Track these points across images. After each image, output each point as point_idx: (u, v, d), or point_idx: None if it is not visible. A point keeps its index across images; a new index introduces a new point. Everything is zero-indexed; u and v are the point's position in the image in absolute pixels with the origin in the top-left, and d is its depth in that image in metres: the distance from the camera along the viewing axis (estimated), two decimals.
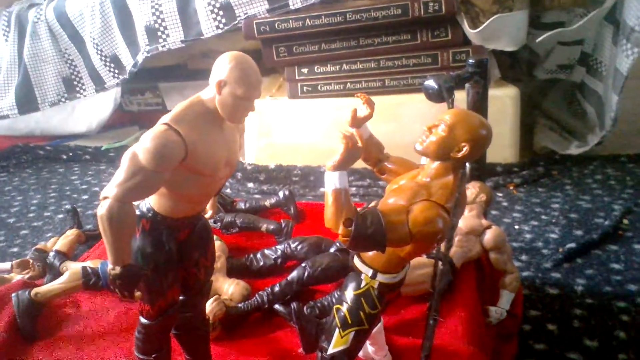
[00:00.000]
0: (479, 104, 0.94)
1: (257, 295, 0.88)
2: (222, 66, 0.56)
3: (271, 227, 1.03)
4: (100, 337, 0.86)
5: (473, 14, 1.53)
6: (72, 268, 0.93)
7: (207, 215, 0.71)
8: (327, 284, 0.90)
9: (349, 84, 1.60)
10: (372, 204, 0.93)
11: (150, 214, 0.59)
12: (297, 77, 1.64)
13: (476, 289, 0.85)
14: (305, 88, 1.63)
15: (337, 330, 0.55)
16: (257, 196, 1.62)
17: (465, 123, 0.50)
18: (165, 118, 0.55)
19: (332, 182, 0.48)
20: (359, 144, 0.48)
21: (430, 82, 0.85)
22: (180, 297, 0.64)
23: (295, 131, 1.65)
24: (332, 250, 0.95)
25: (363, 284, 0.55)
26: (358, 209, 0.63)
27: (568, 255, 1.17)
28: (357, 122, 0.57)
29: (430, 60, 1.57)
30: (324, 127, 1.62)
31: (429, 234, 0.47)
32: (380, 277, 0.54)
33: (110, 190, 0.52)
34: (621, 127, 1.63)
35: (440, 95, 0.84)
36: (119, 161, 0.55)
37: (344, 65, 1.61)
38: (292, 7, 1.58)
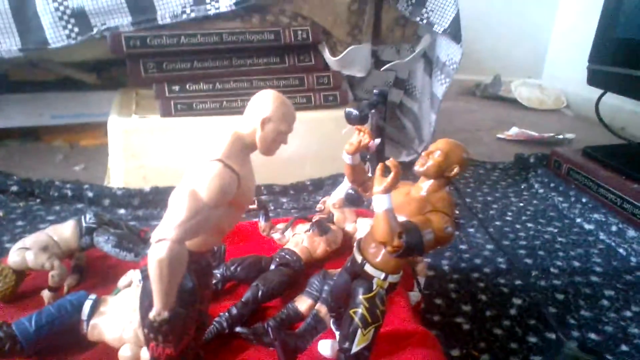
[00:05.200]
0: (382, 125, 1.13)
1: (215, 322, 0.87)
2: (266, 104, 0.59)
3: None
4: None
5: (332, 44, 1.75)
6: None
7: None
8: (277, 298, 0.95)
9: (225, 102, 1.62)
10: (316, 218, 1.03)
11: None
12: (167, 95, 1.58)
13: None
14: (179, 106, 1.58)
15: (359, 330, 0.63)
16: (132, 223, 1.50)
17: (455, 149, 0.65)
18: (216, 155, 0.55)
19: (383, 203, 0.57)
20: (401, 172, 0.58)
21: (351, 110, 1.02)
22: None
23: (170, 151, 1.58)
24: (272, 266, 1.00)
25: (374, 286, 0.65)
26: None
27: None
28: (358, 150, 0.67)
29: (297, 82, 1.72)
30: (201, 146, 1.60)
31: (446, 238, 0.61)
32: (390, 278, 0.65)
33: (169, 231, 0.49)
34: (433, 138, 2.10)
35: (361, 119, 1.01)
36: None
37: (217, 84, 1.63)
38: (160, 22, 1.53)
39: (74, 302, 0.82)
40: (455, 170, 0.65)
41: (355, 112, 0.98)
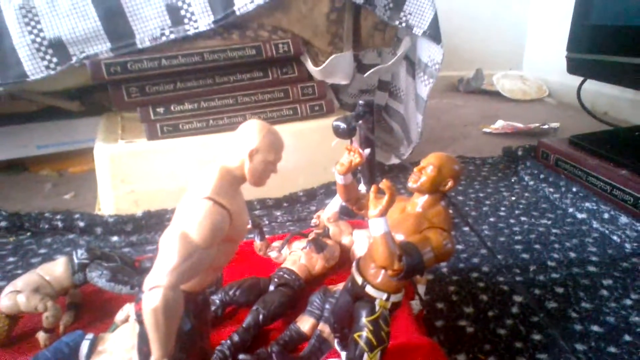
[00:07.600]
0: (371, 136, 1.13)
1: (217, 351, 0.86)
2: (253, 136, 0.58)
3: None
4: None
5: (313, 54, 1.75)
6: None
7: None
8: (279, 319, 0.94)
9: (211, 120, 1.61)
10: (312, 235, 1.02)
11: None
12: (152, 117, 1.57)
13: None
14: (165, 128, 1.57)
15: (365, 354, 0.63)
16: (126, 250, 1.48)
17: (447, 163, 0.65)
18: (205, 192, 0.54)
19: (380, 227, 0.56)
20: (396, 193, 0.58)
21: (339, 123, 1.01)
22: None
23: (160, 174, 1.57)
24: (271, 287, 0.99)
25: (377, 308, 0.64)
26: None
27: None
28: (350, 170, 0.67)
29: (282, 95, 1.72)
30: (190, 167, 1.59)
31: (447, 254, 0.61)
32: (393, 298, 0.64)
33: (161, 278, 0.48)
34: None
35: (349, 132, 1.00)
36: None
37: (202, 102, 1.62)
38: (139, 46, 1.51)
39: (70, 343, 0.81)
40: (450, 184, 0.65)
41: (343, 125, 0.98)
